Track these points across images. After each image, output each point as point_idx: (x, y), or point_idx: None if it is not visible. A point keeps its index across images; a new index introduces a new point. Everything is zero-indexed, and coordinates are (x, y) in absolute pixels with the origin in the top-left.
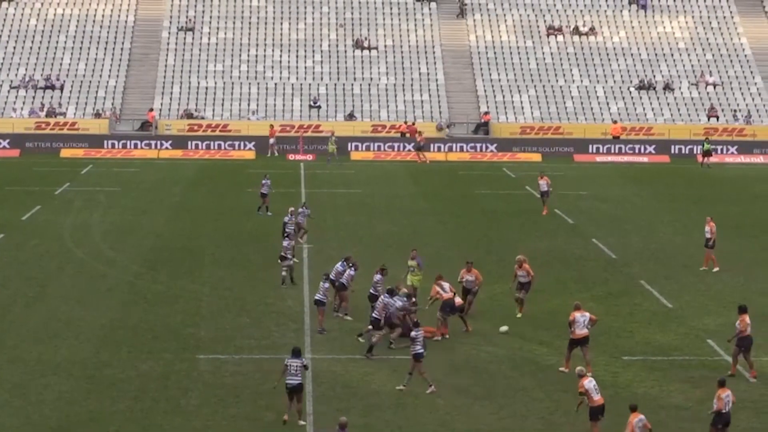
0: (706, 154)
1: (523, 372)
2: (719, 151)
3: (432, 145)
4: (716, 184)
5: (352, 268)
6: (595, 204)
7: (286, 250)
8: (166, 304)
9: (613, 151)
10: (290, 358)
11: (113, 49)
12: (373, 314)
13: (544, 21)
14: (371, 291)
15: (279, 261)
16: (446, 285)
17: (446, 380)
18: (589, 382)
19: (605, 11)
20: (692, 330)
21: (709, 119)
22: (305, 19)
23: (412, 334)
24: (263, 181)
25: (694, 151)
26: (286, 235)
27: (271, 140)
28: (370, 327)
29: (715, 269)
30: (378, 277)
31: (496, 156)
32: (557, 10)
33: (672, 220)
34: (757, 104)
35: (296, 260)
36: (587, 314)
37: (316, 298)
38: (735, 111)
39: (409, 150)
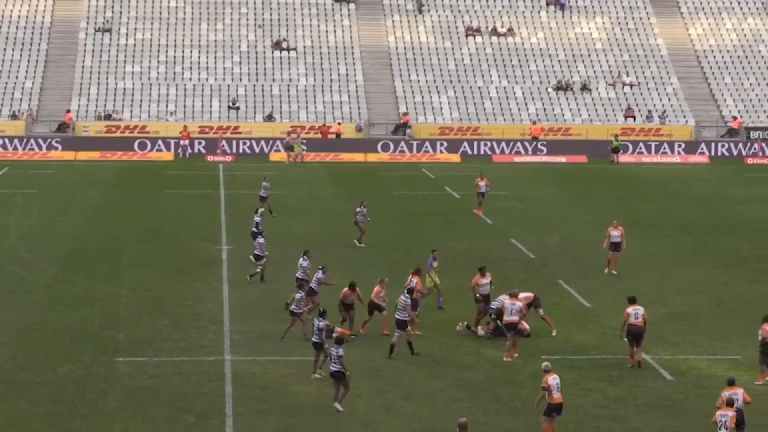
0: (615, 151)
1: (443, 372)
2: (632, 150)
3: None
4: (633, 184)
5: (320, 271)
6: (514, 204)
7: (257, 247)
8: (84, 307)
9: (531, 151)
10: (331, 347)
11: (29, 50)
12: (397, 315)
13: (463, 22)
14: (298, 275)
15: (253, 260)
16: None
17: (366, 381)
18: (553, 379)
19: (523, 12)
20: (610, 329)
21: (626, 119)
22: (224, 19)
23: (319, 324)
24: (264, 184)
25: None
26: (259, 233)
27: (184, 142)
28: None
29: (614, 272)
30: (305, 263)
31: (415, 157)
32: (475, 11)
33: (590, 220)
34: (673, 104)
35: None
36: (518, 303)
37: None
38: (651, 111)
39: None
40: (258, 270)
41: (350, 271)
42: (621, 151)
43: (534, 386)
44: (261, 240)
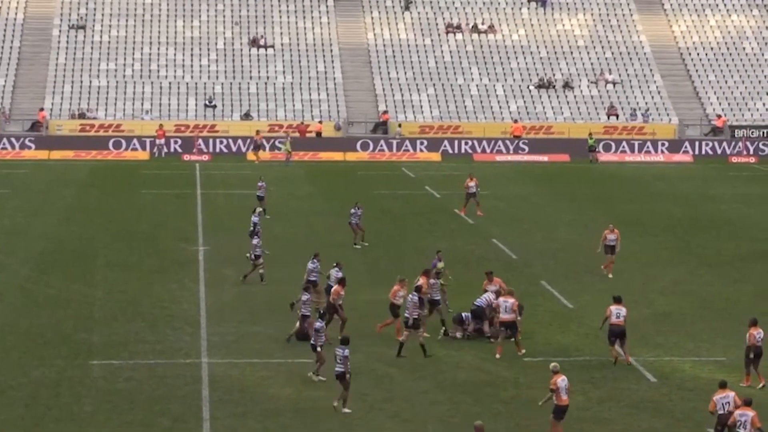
0: (591, 150)
1: (423, 374)
2: (615, 149)
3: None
4: (616, 183)
5: (336, 269)
6: (495, 204)
7: (254, 248)
8: (58, 309)
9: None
10: (336, 348)
11: (2, 47)
12: (405, 314)
13: (443, 19)
14: (310, 278)
15: (252, 260)
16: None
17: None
18: (561, 381)
19: (504, 9)
20: (593, 330)
21: (608, 117)
22: (200, 16)
23: (317, 325)
24: (259, 184)
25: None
26: (255, 233)
27: (160, 141)
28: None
29: (609, 275)
30: (312, 265)
31: (395, 156)
32: (456, 8)
33: (572, 219)
34: (657, 102)
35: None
36: (511, 300)
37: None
38: (635, 109)
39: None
40: (261, 271)
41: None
42: (597, 149)
43: (516, 388)
44: (255, 241)
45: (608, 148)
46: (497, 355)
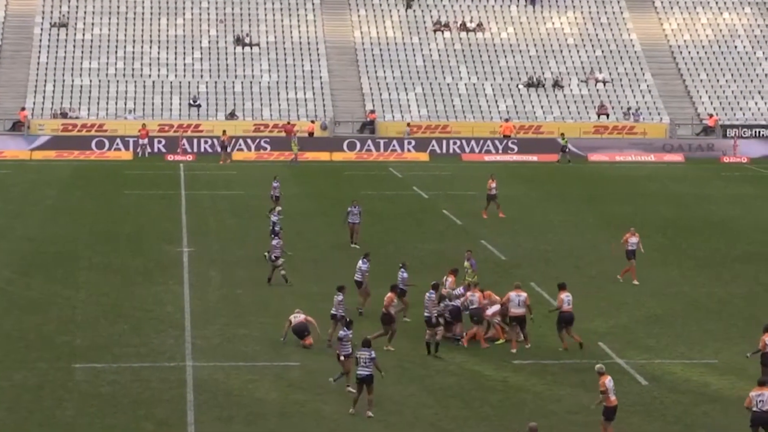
0: (563, 150)
1: (412, 378)
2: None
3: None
4: (607, 184)
5: (402, 270)
6: (484, 204)
7: (274, 248)
8: (40, 311)
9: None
10: (360, 350)
11: None
12: (425, 313)
13: (431, 16)
14: (357, 278)
15: (270, 261)
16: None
17: (333, 387)
18: (609, 381)
19: (493, 6)
20: (583, 332)
21: (599, 117)
22: (184, 14)
23: (340, 334)
24: (274, 184)
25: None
26: (275, 234)
27: (143, 141)
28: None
29: (635, 282)
30: (364, 266)
31: (382, 156)
32: (444, 6)
33: (562, 220)
34: (648, 101)
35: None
36: (523, 294)
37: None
38: (628, 108)
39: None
40: (282, 272)
41: (318, 273)
42: (567, 150)
43: (505, 391)
44: (275, 241)
45: (599, 147)
46: (513, 350)
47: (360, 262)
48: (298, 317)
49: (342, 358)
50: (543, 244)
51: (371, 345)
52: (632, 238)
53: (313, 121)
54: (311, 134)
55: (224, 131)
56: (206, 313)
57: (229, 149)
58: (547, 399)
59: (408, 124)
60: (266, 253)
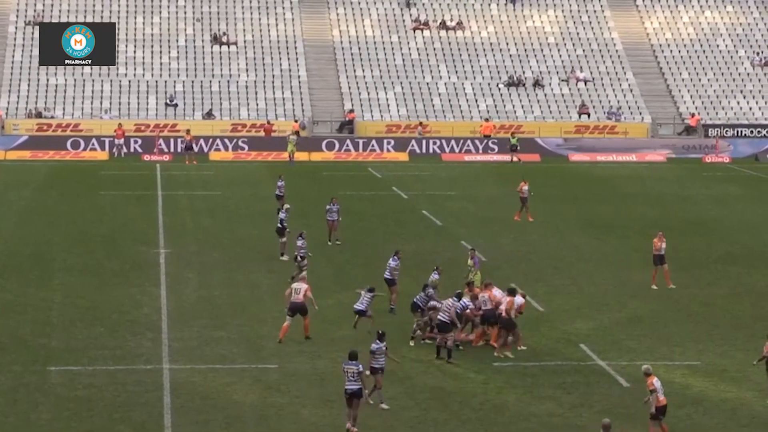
0: (513, 149)
1: (391, 380)
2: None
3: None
4: (587, 184)
5: (435, 273)
6: (464, 205)
7: (299, 249)
8: (15, 314)
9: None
10: (346, 363)
11: None
12: (440, 317)
13: (410, 15)
14: (386, 276)
15: (295, 261)
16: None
17: (311, 390)
18: (656, 381)
19: (473, 5)
20: (564, 334)
21: (580, 116)
22: (160, 12)
23: (373, 347)
24: (279, 183)
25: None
26: (282, 232)
27: (119, 141)
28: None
29: (672, 286)
30: (394, 263)
31: (361, 156)
32: (423, 4)
33: (543, 220)
34: (629, 100)
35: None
36: (520, 299)
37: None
38: (611, 107)
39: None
40: (303, 272)
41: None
42: (519, 149)
43: (485, 394)
44: (300, 242)
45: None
46: (523, 347)
47: (390, 260)
48: (299, 290)
49: (370, 372)
50: (523, 245)
51: (358, 358)
52: (660, 242)
53: (296, 121)
54: (297, 134)
55: (188, 131)
56: (183, 315)
57: (195, 149)
58: (527, 401)
59: (420, 123)
60: (285, 254)
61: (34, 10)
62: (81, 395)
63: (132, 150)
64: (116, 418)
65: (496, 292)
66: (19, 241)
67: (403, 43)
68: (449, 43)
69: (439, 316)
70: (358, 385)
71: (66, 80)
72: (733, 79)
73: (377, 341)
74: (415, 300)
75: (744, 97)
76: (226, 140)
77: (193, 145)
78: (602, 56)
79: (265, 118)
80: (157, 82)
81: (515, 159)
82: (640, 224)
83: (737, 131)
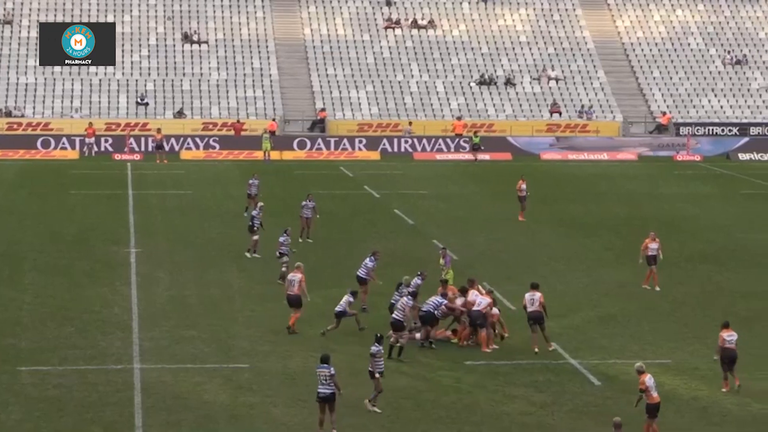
0: (475, 149)
1: (364, 379)
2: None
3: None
4: (559, 182)
5: (418, 277)
6: (436, 204)
7: (281, 245)
8: None
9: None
10: (318, 366)
11: None
12: (394, 315)
13: (382, 14)
14: (360, 274)
15: (277, 257)
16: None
17: (282, 389)
18: (649, 379)
19: (444, 4)
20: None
21: (551, 115)
22: (131, 11)
23: (372, 350)
24: (250, 181)
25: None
26: (253, 229)
27: (89, 140)
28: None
29: (657, 288)
30: (371, 263)
31: (332, 155)
32: (395, 3)
33: (514, 219)
34: (600, 99)
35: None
36: (538, 294)
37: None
38: (582, 106)
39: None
40: (282, 269)
41: (268, 273)
42: (481, 149)
43: (457, 393)
44: (282, 238)
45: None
46: (536, 349)
47: (367, 259)
48: (294, 280)
49: (377, 375)
50: (495, 244)
51: (330, 361)
52: (652, 243)
53: (274, 120)
54: (273, 132)
55: (159, 129)
56: (154, 314)
57: (166, 148)
58: (499, 400)
59: (410, 123)
60: (247, 253)
61: (4, 9)
62: (51, 395)
63: (103, 149)
64: (87, 418)
65: (473, 295)
66: None
67: (374, 42)
68: (421, 42)
69: (393, 315)
70: (330, 389)
71: (36, 79)
72: (704, 78)
73: (376, 344)
74: (391, 301)
75: (715, 96)
76: (197, 139)
77: (164, 144)
78: (573, 55)
79: (237, 117)
80: (128, 80)
81: (476, 158)
82: (612, 223)
83: (708, 130)
